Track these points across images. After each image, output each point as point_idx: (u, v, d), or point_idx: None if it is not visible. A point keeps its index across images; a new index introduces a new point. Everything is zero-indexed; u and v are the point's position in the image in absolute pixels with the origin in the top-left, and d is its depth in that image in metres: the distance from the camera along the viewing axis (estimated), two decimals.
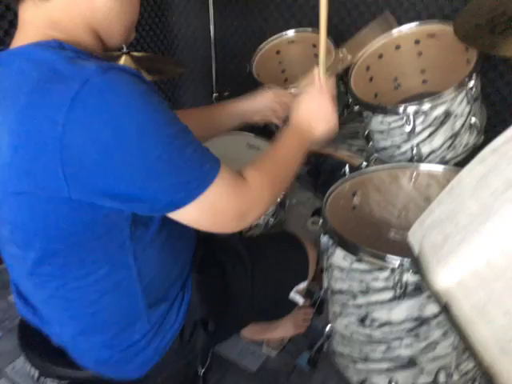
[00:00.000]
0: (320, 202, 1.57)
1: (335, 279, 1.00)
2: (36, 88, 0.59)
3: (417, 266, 0.74)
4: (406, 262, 0.83)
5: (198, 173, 0.66)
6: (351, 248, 0.91)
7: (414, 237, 0.82)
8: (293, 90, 1.13)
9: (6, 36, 1.49)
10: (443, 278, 0.68)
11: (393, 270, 0.86)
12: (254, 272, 0.97)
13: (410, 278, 0.86)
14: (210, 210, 0.69)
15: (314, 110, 0.91)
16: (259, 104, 1.11)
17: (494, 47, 0.91)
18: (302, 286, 1.05)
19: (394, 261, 0.84)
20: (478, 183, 0.73)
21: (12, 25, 1.48)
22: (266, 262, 1.01)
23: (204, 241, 0.94)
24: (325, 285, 1.07)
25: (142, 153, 0.60)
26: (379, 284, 0.90)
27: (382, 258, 0.86)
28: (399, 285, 0.86)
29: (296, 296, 1.05)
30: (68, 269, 0.71)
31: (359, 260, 0.90)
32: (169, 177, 0.63)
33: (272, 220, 1.26)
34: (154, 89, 0.68)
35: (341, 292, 0.99)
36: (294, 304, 1.07)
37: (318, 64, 0.96)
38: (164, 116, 0.64)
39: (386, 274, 0.88)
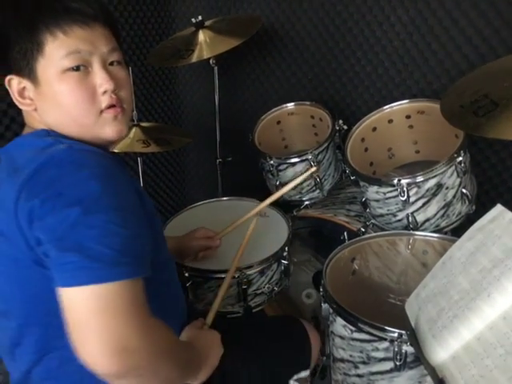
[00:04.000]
0: (320, 264, 1.61)
1: (336, 347, 1.03)
2: None
3: (414, 339, 0.78)
4: (404, 334, 0.86)
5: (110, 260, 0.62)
6: (350, 318, 0.94)
7: (411, 309, 0.86)
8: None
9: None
10: (438, 352, 0.71)
11: (392, 341, 0.89)
12: (253, 358, 0.97)
13: (409, 349, 0.88)
14: (100, 310, 0.60)
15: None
16: (191, 239, 1.22)
17: (478, 129, 0.99)
18: (304, 374, 1.03)
19: (392, 333, 0.87)
20: (467, 260, 0.78)
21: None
22: (267, 349, 1.00)
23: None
24: (327, 351, 1.09)
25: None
26: (379, 354, 0.92)
27: (381, 330, 0.89)
28: (399, 356, 0.88)
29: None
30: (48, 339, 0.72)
31: (359, 330, 0.93)
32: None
33: (276, 289, 1.30)
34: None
35: (342, 361, 1.01)
36: None
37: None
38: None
39: (385, 344, 0.90)
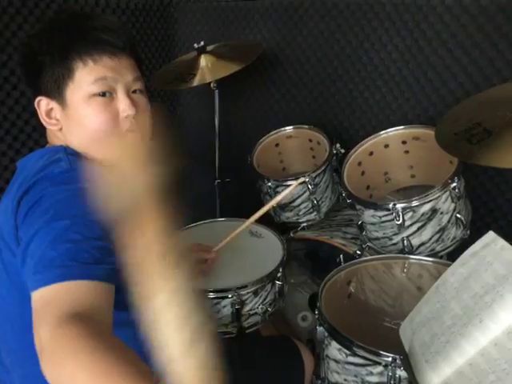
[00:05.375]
0: (316, 286, 1.62)
1: (331, 371, 1.02)
2: None
3: (407, 364, 0.78)
4: (398, 358, 0.87)
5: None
6: (345, 342, 0.94)
7: (405, 333, 0.86)
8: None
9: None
10: (431, 377, 0.71)
11: (386, 366, 0.89)
12: (246, 376, 0.97)
13: (402, 373, 0.88)
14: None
15: None
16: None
17: (471, 157, 1.01)
18: None
19: (387, 358, 0.87)
20: (460, 285, 0.79)
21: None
22: (260, 367, 1.01)
23: None
24: (322, 374, 1.09)
25: None
26: (374, 378, 0.92)
27: (376, 354, 0.89)
28: (393, 380, 0.88)
29: None
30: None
31: (353, 354, 0.93)
32: None
33: (270, 309, 1.30)
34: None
35: None
36: None
37: None
38: None
39: (379, 368, 0.90)
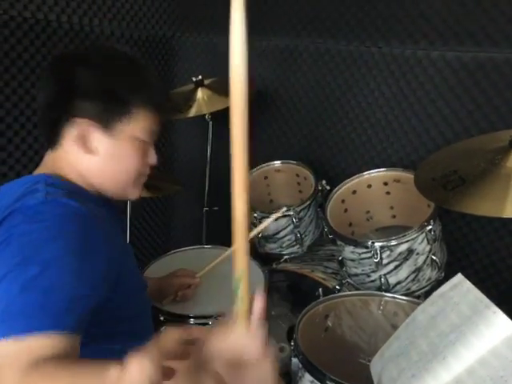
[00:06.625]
0: (295, 319, 1.64)
1: None
2: None
3: None
4: None
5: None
6: (318, 374, 0.97)
7: (375, 368, 0.90)
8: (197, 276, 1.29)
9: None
10: None
11: None
12: None
13: None
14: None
15: None
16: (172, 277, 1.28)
17: (446, 202, 1.07)
18: None
19: None
20: (428, 323, 0.84)
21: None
22: None
23: None
24: None
25: None
26: None
27: None
28: None
29: None
30: None
31: None
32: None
33: None
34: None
35: None
36: None
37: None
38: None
39: None
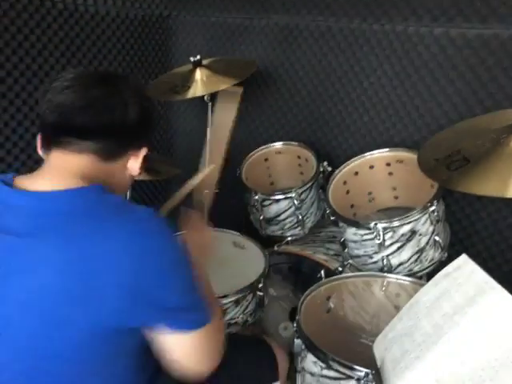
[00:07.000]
0: (298, 300, 1.64)
1: None
2: None
3: (378, 378, 0.81)
4: (371, 373, 0.89)
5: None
6: (321, 355, 0.97)
7: (378, 349, 0.90)
8: None
9: None
10: None
11: (359, 380, 0.92)
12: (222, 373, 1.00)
13: None
14: (206, 344, 0.79)
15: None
16: None
17: (449, 182, 1.06)
18: None
19: (360, 372, 0.90)
20: (431, 305, 0.83)
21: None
22: (235, 363, 1.03)
23: None
24: None
25: None
26: None
27: (349, 368, 0.92)
28: None
29: None
30: None
31: (328, 367, 0.96)
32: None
33: (250, 319, 1.32)
34: None
35: None
36: None
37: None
38: None
39: (352, 382, 0.93)
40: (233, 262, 1.42)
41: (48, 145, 0.81)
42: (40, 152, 0.84)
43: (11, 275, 0.70)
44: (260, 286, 1.32)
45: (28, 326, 0.69)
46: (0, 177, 0.78)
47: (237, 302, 1.26)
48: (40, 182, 0.77)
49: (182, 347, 0.77)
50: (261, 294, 1.33)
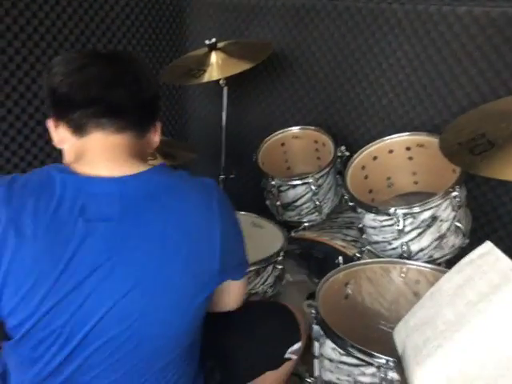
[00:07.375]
0: (314, 286, 1.64)
1: (325, 369, 1.05)
2: None
3: (399, 366, 0.80)
4: (391, 361, 0.89)
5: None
6: (340, 342, 0.96)
7: (399, 336, 0.89)
8: None
9: None
10: (421, 380, 0.74)
11: (379, 367, 0.91)
12: (247, 337, 1.04)
13: (394, 375, 0.90)
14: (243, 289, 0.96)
15: None
16: None
17: (473, 167, 1.03)
18: (297, 346, 1.07)
19: (380, 359, 0.90)
20: (454, 292, 0.81)
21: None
22: (260, 326, 1.05)
23: None
24: (316, 373, 1.11)
25: None
26: (366, 379, 0.94)
27: (369, 355, 0.91)
28: (384, 382, 0.90)
29: (291, 355, 1.09)
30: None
31: (347, 354, 0.96)
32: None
33: (270, 291, 1.34)
34: None
35: (329, 383, 1.03)
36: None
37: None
38: None
39: (372, 369, 0.92)
40: (252, 239, 1.43)
41: (82, 129, 0.78)
42: (59, 143, 0.82)
43: (121, 264, 0.72)
44: (279, 259, 1.34)
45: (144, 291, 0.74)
46: (58, 168, 0.76)
47: (257, 273, 1.29)
48: (110, 167, 0.77)
49: (231, 292, 0.93)
50: (280, 267, 1.35)
